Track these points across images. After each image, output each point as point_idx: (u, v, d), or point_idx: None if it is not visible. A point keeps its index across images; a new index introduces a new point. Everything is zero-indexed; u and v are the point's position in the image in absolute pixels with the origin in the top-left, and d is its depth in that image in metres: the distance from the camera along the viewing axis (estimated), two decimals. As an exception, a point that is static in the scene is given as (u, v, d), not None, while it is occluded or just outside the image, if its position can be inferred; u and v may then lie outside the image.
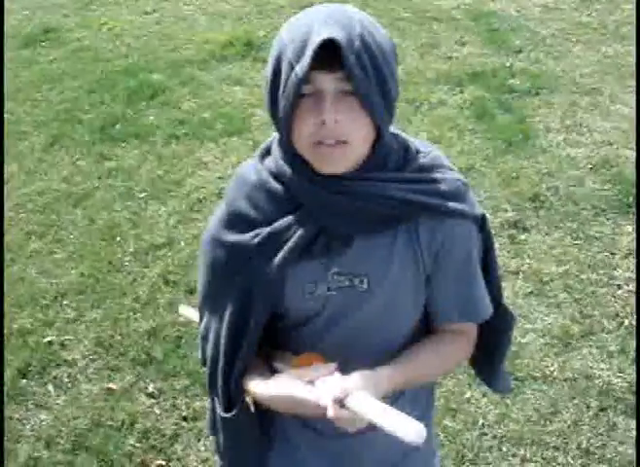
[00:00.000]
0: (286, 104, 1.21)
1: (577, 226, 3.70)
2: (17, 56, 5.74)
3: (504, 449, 2.63)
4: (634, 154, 4.17)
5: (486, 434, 2.70)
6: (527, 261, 3.49)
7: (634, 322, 3.11)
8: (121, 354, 3.10)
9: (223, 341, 1.40)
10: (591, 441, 2.64)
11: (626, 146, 4.28)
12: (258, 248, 1.32)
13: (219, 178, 4.17)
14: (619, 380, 2.86)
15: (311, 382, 1.28)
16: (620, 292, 3.31)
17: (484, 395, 2.81)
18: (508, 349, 1.65)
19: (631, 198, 3.83)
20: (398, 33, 5.67)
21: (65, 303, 3.40)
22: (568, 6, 6.04)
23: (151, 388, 2.92)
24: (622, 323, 3.13)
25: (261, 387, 1.37)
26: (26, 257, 3.70)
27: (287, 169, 1.31)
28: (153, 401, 2.87)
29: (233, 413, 1.43)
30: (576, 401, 2.80)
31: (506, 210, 3.80)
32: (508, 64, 5.20)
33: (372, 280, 1.35)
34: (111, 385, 2.95)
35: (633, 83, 4.87)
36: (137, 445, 2.69)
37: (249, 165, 1.40)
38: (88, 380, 2.99)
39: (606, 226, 3.70)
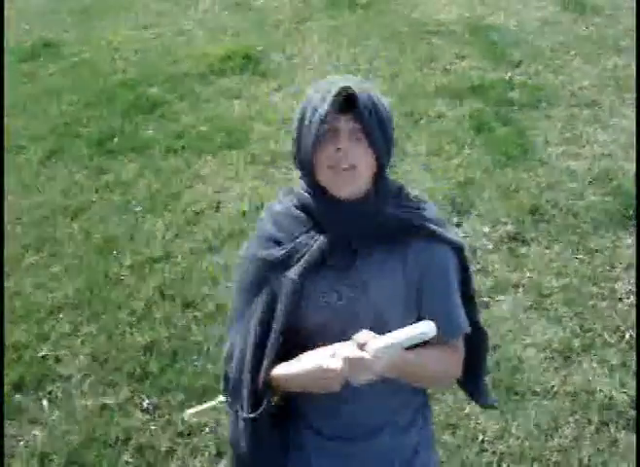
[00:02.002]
0: (310, 139, 1.55)
1: (577, 239, 3.67)
2: (17, 70, 5.73)
3: (504, 465, 2.59)
4: (634, 166, 4.14)
5: (486, 450, 2.66)
6: (527, 274, 3.46)
7: (635, 335, 3.08)
8: (116, 369, 3.06)
9: (250, 342, 1.64)
10: (592, 457, 2.60)
11: (626, 159, 4.26)
12: (283, 259, 1.62)
13: (216, 192, 4.16)
14: (620, 395, 2.83)
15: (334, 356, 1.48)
16: (620, 305, 3.27)
17: (484, 411, 2.76)
18: (486, 364, 1.88)
19: (631, 211, 3.80)
20: (397, 46, 5.66)
21: (61, 316, 3.38)
22: (567, 19, 6.03)
23: (146, 404, 2.88)
24: (624, 336, 3.09)
25: (286, 367, 1.58)
26: (22, 271, 3.67)
27: (308, 197, 1.63)
28: (148, 416, 2.84)
29: (260, 410, 1.60)
30: (577, 416, 2.76)
31: (505, 223, 3.78)
32: (507, 77, 5.19)
33: (370, 291, 1.59)
34: (106, 400, 2.91)
35: (632, 95, 4.85)
36: (131, 461, 2.65)
37: (275, 202, 1.72)
38: (82, 395, 2.95)
39: (606, 238, 3.68)
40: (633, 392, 2.83)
